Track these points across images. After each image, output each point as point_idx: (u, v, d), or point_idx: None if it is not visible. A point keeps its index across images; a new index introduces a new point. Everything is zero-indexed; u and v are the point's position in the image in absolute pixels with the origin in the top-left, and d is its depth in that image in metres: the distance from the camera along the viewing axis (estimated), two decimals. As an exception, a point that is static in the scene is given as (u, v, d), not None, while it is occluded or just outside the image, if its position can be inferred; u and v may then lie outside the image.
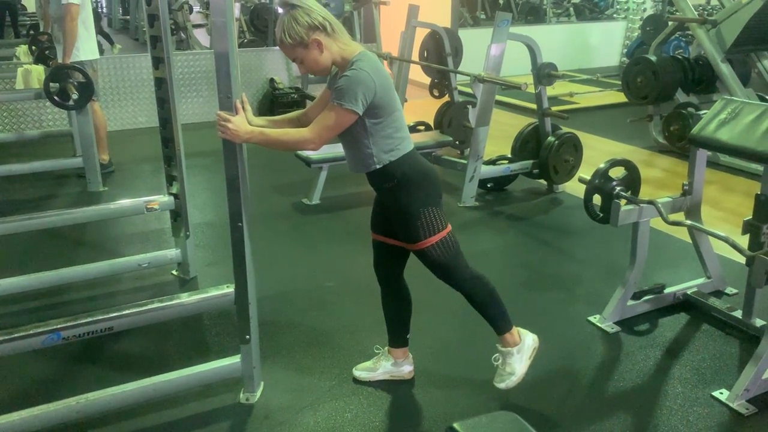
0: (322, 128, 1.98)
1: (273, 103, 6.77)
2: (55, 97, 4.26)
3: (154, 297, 2.33)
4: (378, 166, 2.07)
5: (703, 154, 2.84)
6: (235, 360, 2.32)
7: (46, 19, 5.31)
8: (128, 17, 12.49)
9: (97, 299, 3.10)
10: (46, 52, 5.17)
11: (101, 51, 9.15)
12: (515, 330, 2.31)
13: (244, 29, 8.70)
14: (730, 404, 2.31)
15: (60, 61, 4.41)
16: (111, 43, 10.00)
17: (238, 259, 2.17)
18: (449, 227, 2.16)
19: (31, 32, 7.54)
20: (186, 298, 2.27)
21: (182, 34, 8.85)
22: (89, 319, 2.07)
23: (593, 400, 2.38)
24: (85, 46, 4.51)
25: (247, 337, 2.27)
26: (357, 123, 2.00)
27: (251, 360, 2.31)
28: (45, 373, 2.54)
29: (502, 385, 2.29)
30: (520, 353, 2.30)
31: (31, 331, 2.00)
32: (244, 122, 2.00)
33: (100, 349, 2.66)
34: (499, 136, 5.41)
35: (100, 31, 9.89)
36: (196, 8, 9.50)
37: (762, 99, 5.27)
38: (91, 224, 3.79)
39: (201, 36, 8.98)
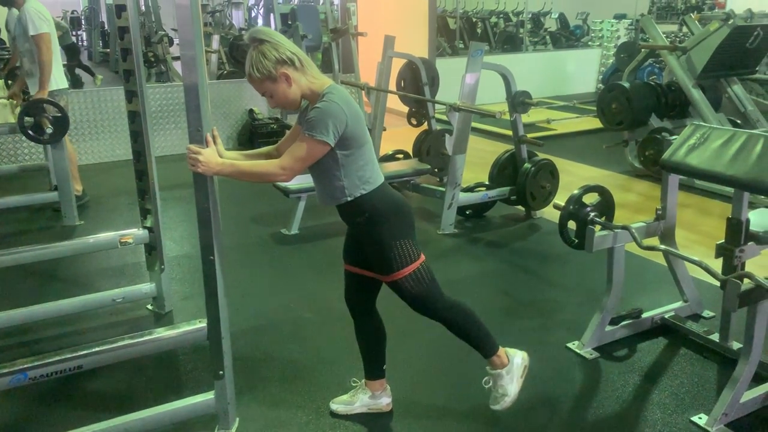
0: (294, 159, 1.98)
1: (252, 133, 6.78)
2: (30, 132, 4.23)
3: (128, 333, 2.29)
4: (349, 199, 2.06)
5: (674, 179, 2.88)
6: (209, 396, 2.28)
7: (14, 53, 5.24)
8: (108, 50, 12.52)
9: (70, 336, 3.04)
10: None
11: (81, 83, 9.06)
12: (502, 351, 2.31)
13: (223, 61, 8.75)
14: (709, 429, 2.30)
15: (37, 92, 4.37)
16: (92, 75, 9.99)
17: (210, 293, 2.14)
18: (423, 258, 2.15)
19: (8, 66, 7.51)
20: (157, 334, 2.23)
21: (162, 67, 8.88)
22: (57, 358, 2.02)
23: (573, 428, 2.36)
24: (56, 74, 4.49)
25: (221, 372, 2.22)
26: (328, 155, 2.00)
27: (226, 396, 2.27)
28: (12, 415, 2.47)
29: (497, 407, 2.30)
30: (510, 374, 2.30)
31: (-5, 372, 1.95)
32: (215, 155, 2.00)
33: (70, 388, 2.60)
34: (477, 163, 5.45)
35: (80, 64, 9.91)
36: (177, 41, 9.55)
37: (734, 123, 5.37)
38: (65, 259, 3.72)
39: (181, 68, 9.01)
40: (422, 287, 2.14)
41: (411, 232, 2.13)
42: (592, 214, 2.76)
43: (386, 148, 5.43)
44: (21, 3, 4.35)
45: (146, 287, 3.23)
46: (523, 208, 4.67)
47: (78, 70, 9.72)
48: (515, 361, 2.32)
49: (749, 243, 2.54)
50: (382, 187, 2.11)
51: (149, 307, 3.30)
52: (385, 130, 5.35)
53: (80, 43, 13.88)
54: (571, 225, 2.79)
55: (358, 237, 2.18)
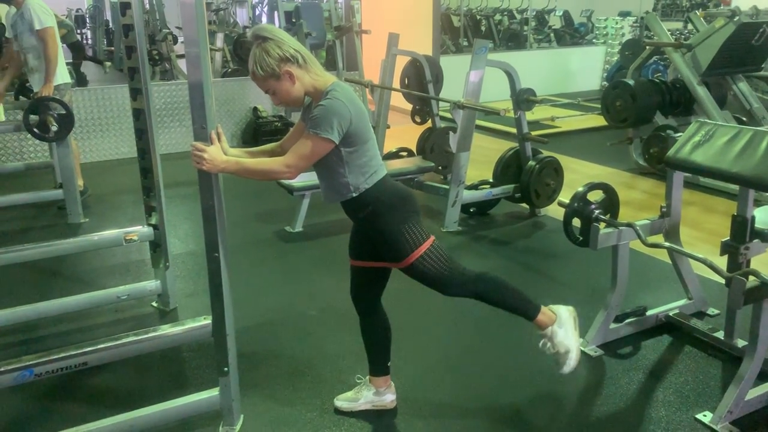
0: (298, 157, 1.98)
1: (256, 131, 6.78)
2: (35, 130, 4.24)
3: (132, 329, 2.29)
4: (354, 194, 2.07)
5: (679, 176, 2.87)
6: (213, 393, 2.28)
7: (9, 53, 5.20)
8: (113, 48, 12.53)
9: (75, 333, 3.05)
10: (27, 84, 5.15)
11: (86, 81, 9.08)
12: (546, 309, 2.25)
13: (228, 59, 8.75)
14: (714, 427, 2.29)
15: (42, 87, 4.37)
16: (101, 63, 10.01)
17: (214, 290, 2.15)
18: (432, 238, 2.13)
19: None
20: (162, 331, 2.23)
21: (166, 65, 8.89)
22: (62, 355, 2.03)
23: (577, 426, 2.35)
24: (60, 69, 4.49)
25: (226, 369, 2.23)
26: (332, 152, 2.00)
27: (230, 392, 2.27)
28: (17, 411, 2.47)
29: (567, 369, 2.25)
30: (563, 327, 2.24)
31: (1, 369, 1.96)
32: (220, 152, 2.00)
33: (75, 384, 2.61)
34: (481, 160, 5.45)
35: (86, 57, 9.95)
36: (181, 39, 9.56)
37: (739, 121, 5.35)
38: (70, 256, 3.74)
39: (185, 66, 9.00)
40: (440, 264, 2.10)
41: (416, 216, 2.12)
42: (597, 211, 2.76)
43: (390, 146, 5.43)
44: (21, 1, 4.35)
45: (151, 284, 3.24)
46: (527, 206, 4.66)
47: (83, 67, 9.74)
48: (562, 315, 2.25)
49: (754, 240, 2.53)
50: (384, 180, 2.11)
51: (154, 304, 3.31)
52: (388, 127, 5.35)
53: (85, 41, 13.90)
54: (576, 222, 2.79)
55: (364, 230, 2.17)
